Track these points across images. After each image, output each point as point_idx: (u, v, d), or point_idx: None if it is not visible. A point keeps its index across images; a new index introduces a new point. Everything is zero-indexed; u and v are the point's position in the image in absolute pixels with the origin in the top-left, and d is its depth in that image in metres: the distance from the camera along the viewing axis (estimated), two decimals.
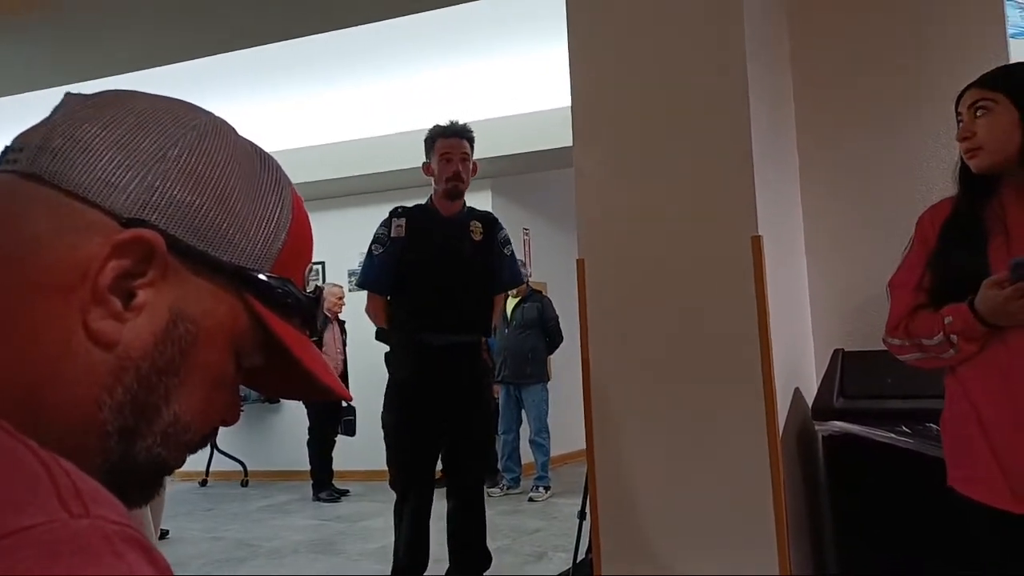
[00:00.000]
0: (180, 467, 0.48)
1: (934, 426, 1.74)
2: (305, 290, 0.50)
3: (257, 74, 5.39)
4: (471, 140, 2.90)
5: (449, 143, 2.84)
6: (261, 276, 0.46)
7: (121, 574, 0.32)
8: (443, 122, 2.91)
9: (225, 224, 0.45)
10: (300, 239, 0.49)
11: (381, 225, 2.88)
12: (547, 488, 5.58)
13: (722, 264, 2.04)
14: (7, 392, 0.39)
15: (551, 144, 5.73)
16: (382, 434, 2.86)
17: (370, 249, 2.86)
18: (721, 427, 2.00)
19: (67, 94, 0.48)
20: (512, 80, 5.67)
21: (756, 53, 2.16)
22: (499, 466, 5.79)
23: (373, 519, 5.04)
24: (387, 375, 2.86)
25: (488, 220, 2.96)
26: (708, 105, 2.11)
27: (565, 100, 2.30)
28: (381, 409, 2.85)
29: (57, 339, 0.40)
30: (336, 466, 6.06)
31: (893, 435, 1.86)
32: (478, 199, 5.43)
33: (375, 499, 5.67)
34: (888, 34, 2.56)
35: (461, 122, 2.90)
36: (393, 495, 2.87)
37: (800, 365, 2.36)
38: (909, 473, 1.86)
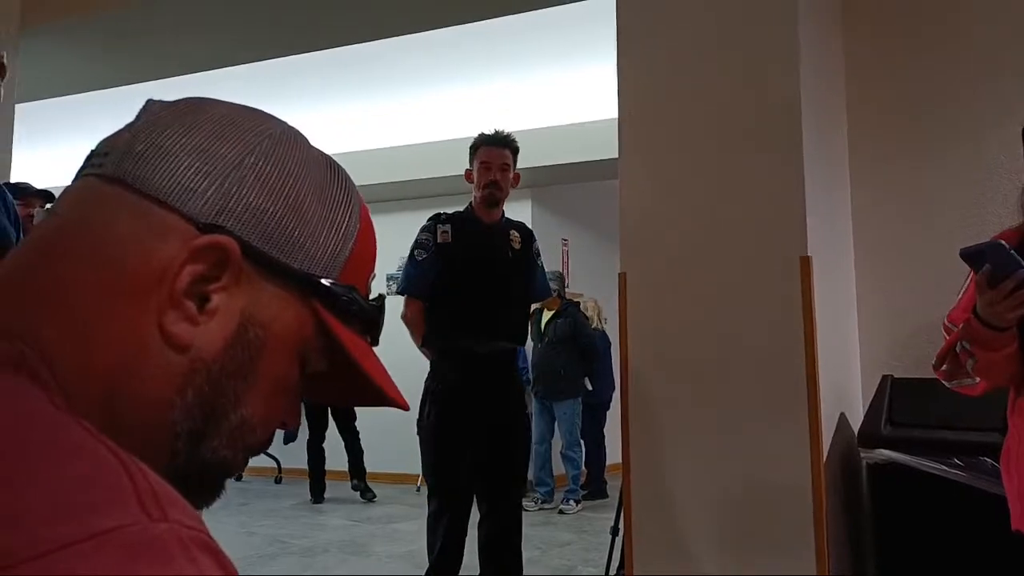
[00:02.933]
0: (242, 469, 0.49)
1: (989, 460, 1.68)
2: (368, 298, 0.50)
3: (302, 79, 5.48)
4: (515, 150, 2.90)
5: (490, 151, 2.85)
6: (328, 283, 0.47)
7: None
8: (488, 131, 2.92)
9: (297, 231, 0.45)
10: (366, 247, 0.50)
11: (424, 231, 2.88)
12: (578, 501, 5.54)
13: (770, 284, 2.01)
14: (88, 391, 0.40)
15: (592, 156, 5.72)
16: (417, 440, 2.85)
17: (412, 254, 2.85)
18: (763, 450, 1.96)
19: (149, 100, 0.49)
20: (555, 91, 5.68)
21: (809, 72, 2.12)
22: (530, 477, 5.77)
23: (404, 522, 5.05)
24: (416, 380, 2.85)
25: (525, 230, 2.98)
26: (759, 122, 2.08)
27: (607, 112, 2.29)
28: (417, 415, 2.84)
29: (134, 340, 0.41)
30: (369, 468, 6.10)
31: (944, 467, 1.80)
32: (518, 209, 5.45)
33: (406, 502, 5.70)
34: (948, 59, 2.50)
35: (505, 131, 2.90)
36: (423, 499, 2.86)
37: (847, 390, 2.30)
38: (960, 508, 1.80)
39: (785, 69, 2.05)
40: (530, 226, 3.11)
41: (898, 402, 2.11)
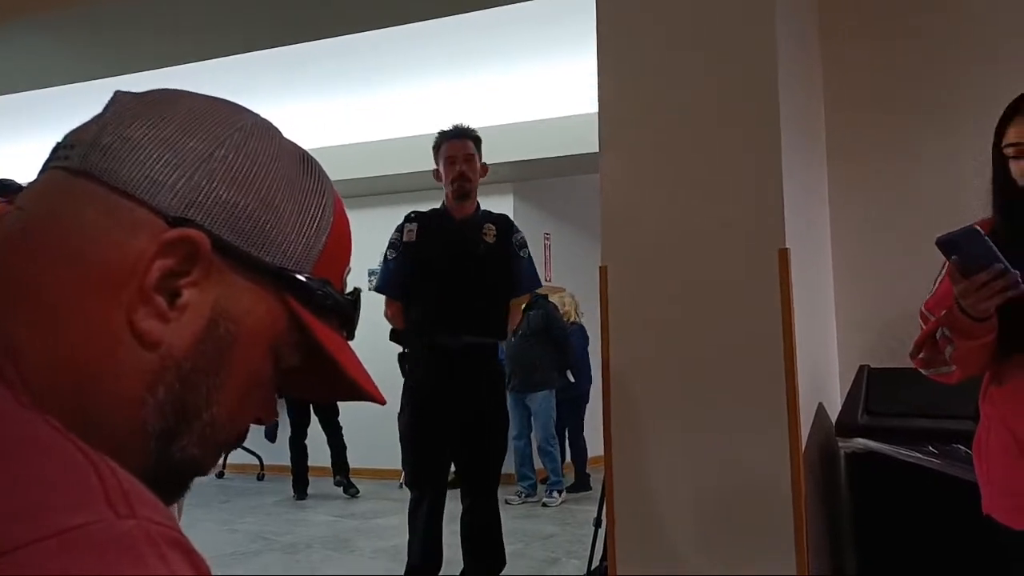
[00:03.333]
0: (213, 466, 0.48)
1: (962, 447, 1.71)
2: (343, 292, 0.50)
3: (276, 74, 5.43)
4: (476, 140, 2.92)
5: (452, 145, 2.87)
6: (302, 277, 0.46)
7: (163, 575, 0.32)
8: (447, 127, 2.95)
9: (268, 225, 0.45)
10: (340, 241, 0.49)
11: (395, 230, 2.92)
12: (560, 492, 5.54)
13: (748, 276, 2.03)
14: (56, 389, 0.39)
15: (574, 149, 5.72)
16: (397, 435, 2.88)
17: (385, 254, 2.90)
18: (743, 440, 1.98)
19: (117, 92, 0.48)
20: (536, 85, 5.67)
21: (786, 66, 2.14)
22: (512, 471, 5.77)
23: (387, 517, 5.05)
24: (395, 375, 2.87)
25: (503, 222, 2.96)
26: (737, 114, 2.10)
27: (589, 106, 2.30)
28: (398, 411, 2.86)
29: (104, 337, 0.40)
30: (352, 464, 6.08)
31: (919, 455, 1.84)
32: (499, 203, 5.44)
33: (389, 497, 5.69)
34: (923, 54, 2.53)
35: (465, 125, 2.93)
36: (406, 494, 2.88)
37: (824, 380, 2.33)
38: (935, 494, 1.83)
39: (763, 63, 2.07)
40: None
41: (875, 391, 2.14)
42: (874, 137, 2.55)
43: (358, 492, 5.93)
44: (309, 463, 6.01)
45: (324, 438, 5.97)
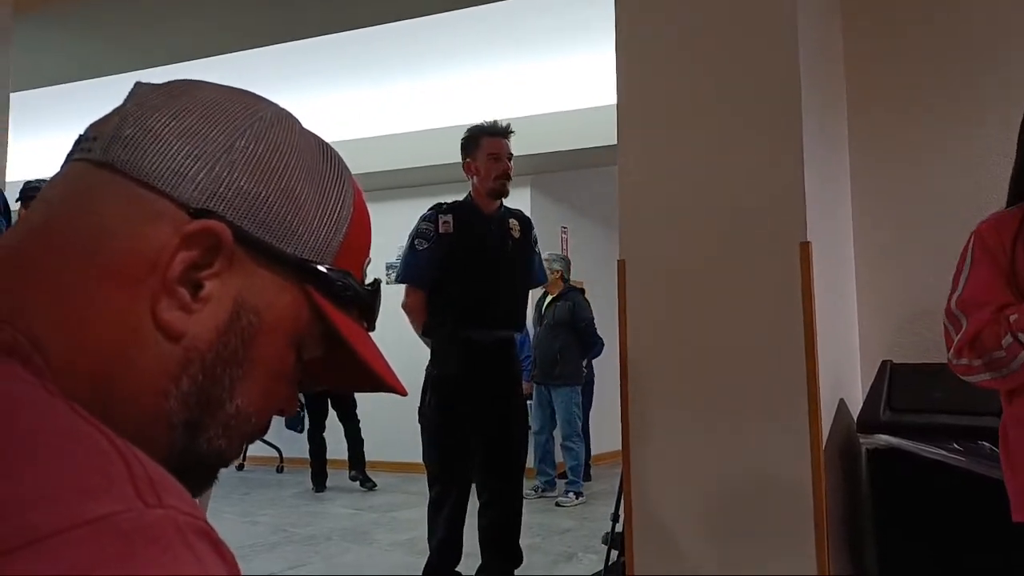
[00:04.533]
0: (237, 458, 0.48)
1: (987, 444, 1.68)
2: (363, 283, 0.50)
3: (300, 66, 5.45)
4: (510, 137, 2.93)
5: (497, 143, 2.85)
6: (323, 268, 0.46)
7: (191, 566, 0.32)
8: (483, 122, 2.92)
9: (289, 216, 0.45)
10: (360, 232, 0.49)
11: (424, 220, 2.87)
12: (578, 494, 5.45)
13: (768, 270, 2.01)
14: (80, 379, 0.39)
15: (591, 142, 5.69)
16: (418, 428, 2.85)
17: (413, 244, 2.85)
18: (763, 436, 1.96)
19: (137, 83, 0.48)
20: (553, 77, 5.65)
21: (808, 56, 2.11)
22: (530, 465, 5.75)
23: (405, 510, 5.07)
24: (412, 367, 2.84)
25: (523, 218, 3.01)
26: (758, 107, 2.07)
27: (606, 98, 2.28)
28: (419, 403, 2.84)
29: (127, 328, 0.40)
30: (369, 457, 6.12)
31: (943, 452, 1.81)
32: (517, 196, 5.41)
33: (407, 490, 5.71)
34: (948, 44, 2.49)
35: (503, 122, 2.92)
36: (424, 487, 2.87)
37: (846, 376, 2.31)
38: (960, 492, 1.80)
39: (784, 54, 2.04)
40: (529, 214, 3.14)
41: (897, 388, 2.11)
42: (897, 129, 2.51)
43: (375, 486, 5.95)
44: (328, 456, 6.06)
45: (342, 431, 6.01)
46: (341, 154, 0.51)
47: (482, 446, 2.81)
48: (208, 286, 0.42)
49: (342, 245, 0.47)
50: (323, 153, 0.49)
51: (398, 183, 6.93)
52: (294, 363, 0.48)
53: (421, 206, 3.00)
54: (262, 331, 0.44)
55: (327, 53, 5.19)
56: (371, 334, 0.51)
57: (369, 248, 0.52)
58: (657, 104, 2.21)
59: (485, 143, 2.85)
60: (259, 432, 0.48)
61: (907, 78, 2.52)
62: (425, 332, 2.87)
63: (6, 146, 3.20)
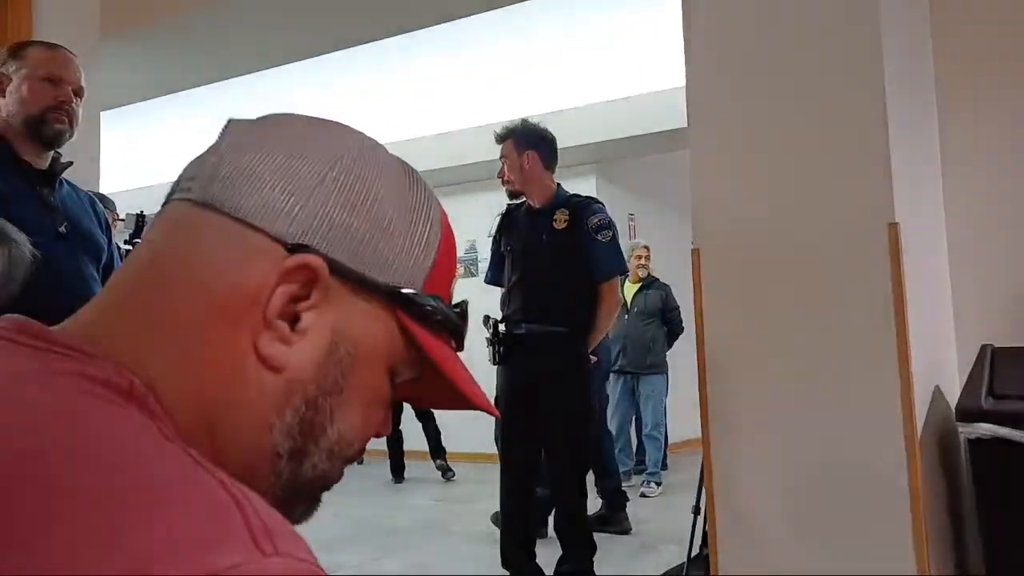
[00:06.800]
0: (339, 481, 0.50)
1: None
2: (451, 304, 0.50)
3: (349, 64, 5.50)
4: (509, 137, 2.98)
5: (500, 150, 3.03)
6: (415, 295, 0.47)
7: None
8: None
9: (381, 244, 0.46)
10: (447, 254, 0.50)
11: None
12: (659, 484, 5.35)
13: (855, 253, 1.91)
14: (192, 418, 0.41)
15: (656, 127, 5.57)
16: (490, 419, 3.09)
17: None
18: (852, 427, 1.88)
19: (229, 120, 0.49)
20: (614, 62, 5.55)
21: (891, 27, 1.99)
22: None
23: (483, 501, 5.11)
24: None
25: (577, 207, 2.91)
26: (839, 81, 1.97)
27: (669, 81, 2.22)
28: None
29: (231, 364, 0.42)
30: (449, 448, 6.21)
31: None
32: (582, 185, 5.35)
33: (484, 480, 5.76)
34: None
35: (505, 125, 3.06)
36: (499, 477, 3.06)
37: (941, 362, 2.18)
38: None
39: (866, 25, 1.93)
40: None
41: (1000, 373, 1.98)
42: (990, 97, 2.35)
43: (454, 475, 6.04)
44: (411, 448, 6.19)
45: (417, 424, 6.11)
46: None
47: (542, 439, 2.94)
48: (306, 318, 0.43)
49: (431, 270, 0.48)
50: (410, 178, 0.49)
51: (465, 178, 6.96)
52: (389, 388, 0.49)
53: (488, 200, 3.19)
54: (359, 360, 0.45)
55: (374, 50, 5.20)
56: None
57: (455, 269, 0.53)
58: (730, 82, 2.13)
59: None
60: (358, 455, 0.49)
61: (1000, 45, 2.35)
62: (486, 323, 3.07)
63: (99, 161, 3.35)
